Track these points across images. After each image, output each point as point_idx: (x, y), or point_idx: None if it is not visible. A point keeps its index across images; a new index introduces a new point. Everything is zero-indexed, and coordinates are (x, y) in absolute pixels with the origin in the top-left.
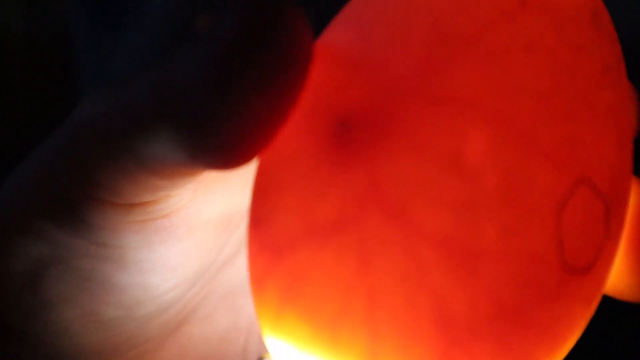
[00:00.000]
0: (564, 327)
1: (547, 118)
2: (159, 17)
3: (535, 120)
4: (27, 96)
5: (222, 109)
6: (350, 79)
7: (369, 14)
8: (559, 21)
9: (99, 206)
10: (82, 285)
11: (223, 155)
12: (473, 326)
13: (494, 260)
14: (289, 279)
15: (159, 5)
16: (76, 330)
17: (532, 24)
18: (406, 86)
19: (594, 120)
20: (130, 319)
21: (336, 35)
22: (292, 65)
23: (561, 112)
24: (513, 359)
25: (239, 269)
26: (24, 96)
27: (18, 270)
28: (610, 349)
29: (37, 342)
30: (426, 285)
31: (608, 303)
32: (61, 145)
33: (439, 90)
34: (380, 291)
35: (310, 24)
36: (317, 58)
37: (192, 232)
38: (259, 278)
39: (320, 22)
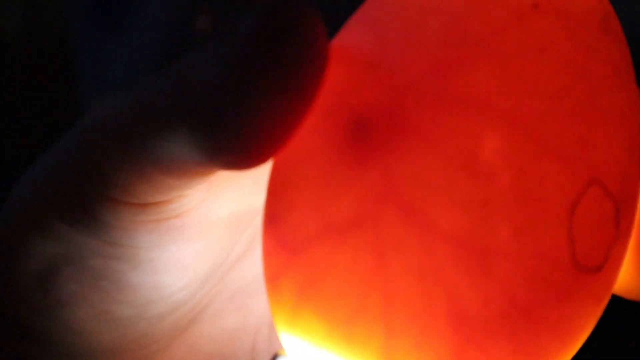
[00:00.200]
0: (575, 325)
1: (559, 119)
2: (159, 17)
3: (547, 121)
4: (27, 96)
5: (242, 110)
6: (365, 79)
7: (383, 16)
8: (571, 25)
9: (112, 206)
10: (95, 284)
11: (241, 155)
12: (487, 324)
13: (507, 259)
14: (306, 276)
15: (159, 6)
16: (88, 329)
17: (544, 28)
18: (421, 87)
19: (604, 122)
20: (142, 317)
21: (351, 37)
22: (310, 66)
23: (572, 114)
24: (525, 356)
25: (248, 268)
26: (23, 96)
27: (31, 269)
28: (617, 347)
29: (49, 340)
30: (441, 283)
31: (616, 303)
32: (75, 144)
33: (453, 91)
34: (396, 288)
35: (326, 25)
36: (333, 59)
37: (203, 231)
38: (274, 275)
39: (335, 23)
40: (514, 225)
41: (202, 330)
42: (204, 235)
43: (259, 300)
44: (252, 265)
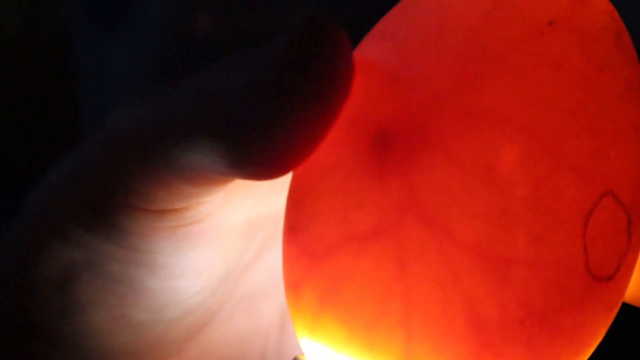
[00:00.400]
0: (588, 332)
1: (574, 133)
2: (159, 17)
3: (562, 134)
4: (27, 96)
5: (271, 123)
6: (387, 92)
7: (403, 30)
8: (585, 41)
9: (131, 212)
10: (112, 289)
11: (266, 167)
12: (503, 330)
13: (523, 268)
14: (328, 283)
15: (159, 5)
16: (104, 332)
17: (560, 44)
18: (441, 101)
19: (618, 135)
20: (157, 321)
21: (372, 50)
22: (338, 80)
23: (587, 128)
24: None
25: (259, 273)
26: (23, 96)
27: (49, 274)
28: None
29: (65, 343)
30: (460, 290)
31: (626, 310)
32: (95, 151)
33: (472, 105)
34: (416, 295)
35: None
36: (356, 71)
37: (219, 237)
38: (296, 281)
39: (353, 35)
40: (530, 235)
41: (214, 334)
42: (219, 241)
43: (269, 303)
44: (263, 269)
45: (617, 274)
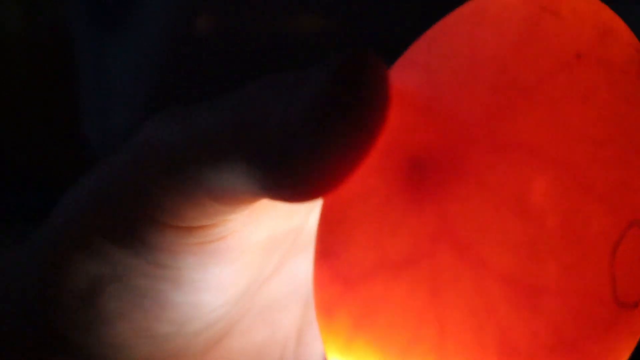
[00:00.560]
0: (614, 357)
1: (602, 164)
2: (160, 17)
3: (591, 166)
4: (27, 96)
5: (311, 150)
6: (421, 122)
7: (434, 60)
8: (611, 74)
9: (159, 229)
10: (137, 303)
11: (299, 192)
12: (534, 357)
13: (554, 296)
14: (361, 308)
15: (159, 5)
16: (128, 344)
17: (588, 76)
18: (474, 131)
19: None
20: (180, 334)
21: (403, 79)
22: (376, 115)
23: (615, 159)
24: None
25: (277, 285)
26: (24, 96)
27: (76, 286)
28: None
29: (89, 355)
30: (492, 318)
31: None
32: (124, 167)
33: (504, 136)
34: (449, 322)
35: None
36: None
37: (243, 253)
38: (329, 305)
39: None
40: (560, 264)
41: (233, 345)
42: (243, 256)
43: (286, 315)
44: (281, 282)
45: None
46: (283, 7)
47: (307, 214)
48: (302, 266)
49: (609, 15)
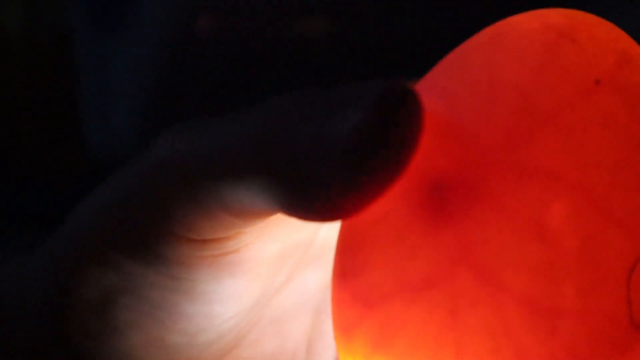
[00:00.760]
0: None
1: (620, 189)
2: (160, 17)
3: (609, 191)
4: (27, 96)
5: (337, 180)
6: (440, 147)
7: (453, 86)
8: (629, 99)
9: (174, 241)
10: (150, 313)
11: (322, 214)
12: None
13: (571, 319)
14: (380, 330)
15: (160, 5)
16: (139, 355)
17: (606, 102)
18: (494, 157)
19: None
20: (192, 345)
21: (423, 104)
22: (408, 147)
23: (632, 184)
24: None
25: (288, 296)
26: (23, 96)
27: (89, 297)
28: None
29: None
30: (510, 340)
31: None
32: (140, 178)
33: (523, 161)
34: (467, 344)
35: None
36: None
37: (256, 265)
38: (347, 326)
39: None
40: (578, 287)
41: (243, 355)
42: (256, 268)
43: (296, 326)
44: (291, 293)
45: None
46: (283, 8)
47: (317, 227)
48: (312, 278)
49: (626, 42)
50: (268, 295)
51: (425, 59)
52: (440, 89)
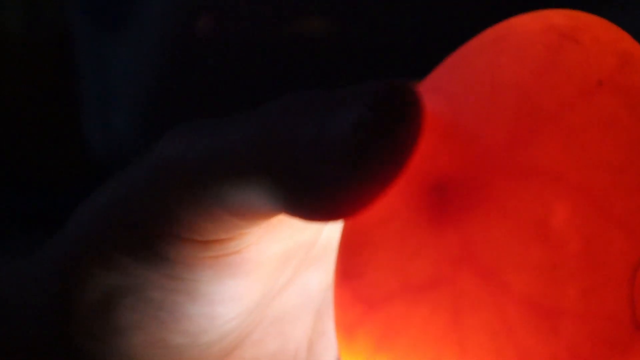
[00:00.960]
0: None
1: (622, 190)
2: (160, 17)
3: (611, 192)
4: (27, 96)
5: (338, 179)
6: (443, 147)
7: (455, 87)
8: (631, 100)
9: (176, 242)
10: (152, 314)
11: (323, 213)
12: None
13: (573, 319)
14: (382, 330)
15: (160, 5)
16: (141, 355)
17: (608, 103)
18: (495, 157)
19: None
20: (194, 345)
21: (426, 105)
22: (408, 146)
23: (634, 185)
24: None
25: (289, 297)
26: (23, 96)
27: (91, 298)
28: None
29: None
30: (512, 340)
31: None
32: (142, 181)
33: (525, 162)
34: (469, 344)
35: None
36: None
37: (258, 266)
38: (350, 326)
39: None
40: (580, 288)
41: (245, 355)
42: (258, 269)
43: (298, 326)
44: (293, 294)
45: None
46: (283, 8)
47: (320, 227)
48: (313, 278)
49: (629, 42)
50: (270, 296)
51: (428, 59)
52: (443, 89)
